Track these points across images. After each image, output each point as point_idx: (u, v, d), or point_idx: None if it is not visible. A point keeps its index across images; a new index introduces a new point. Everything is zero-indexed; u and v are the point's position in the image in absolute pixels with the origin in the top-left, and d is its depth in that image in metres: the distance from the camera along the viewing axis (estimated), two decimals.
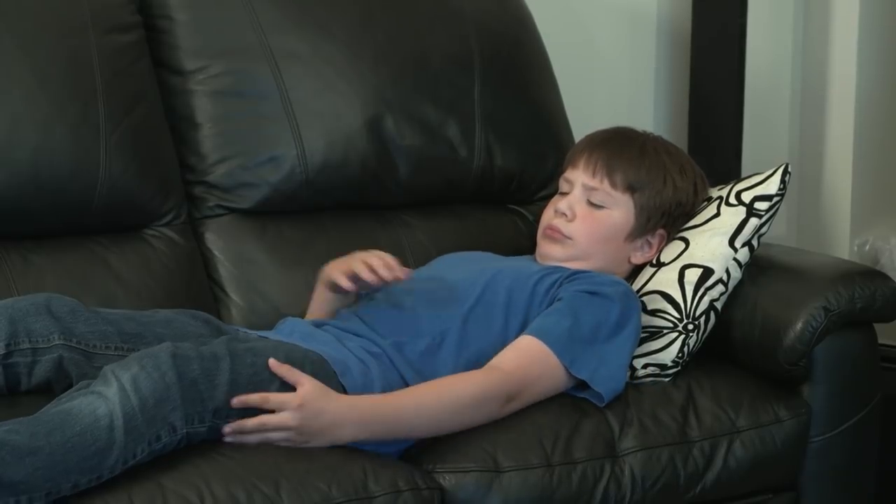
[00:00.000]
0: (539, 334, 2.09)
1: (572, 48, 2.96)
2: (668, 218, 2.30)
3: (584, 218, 2.27)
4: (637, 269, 2.34)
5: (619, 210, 2.27)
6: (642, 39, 3.14)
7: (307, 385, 1.94)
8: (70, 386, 2.02)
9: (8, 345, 1.99)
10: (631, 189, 2.27)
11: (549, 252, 2.29)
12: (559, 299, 2.14)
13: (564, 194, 2.30)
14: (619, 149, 2.29)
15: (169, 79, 2.46)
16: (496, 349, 2.11)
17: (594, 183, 2.27)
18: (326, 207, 2.52)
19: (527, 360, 2.08)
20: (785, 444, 2.23)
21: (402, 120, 2.53)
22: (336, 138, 2.49)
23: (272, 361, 1.95)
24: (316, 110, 2.48)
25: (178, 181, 2.43)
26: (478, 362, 2.10)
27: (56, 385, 2.02)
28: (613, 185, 2.26)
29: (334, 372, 2.01)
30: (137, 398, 1.81)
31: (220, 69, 2.46)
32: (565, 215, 2.27)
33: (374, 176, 2.52)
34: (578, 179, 2.29)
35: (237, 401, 1.89)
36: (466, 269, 2.25)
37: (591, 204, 2.27)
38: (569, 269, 2.21)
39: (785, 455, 2.23)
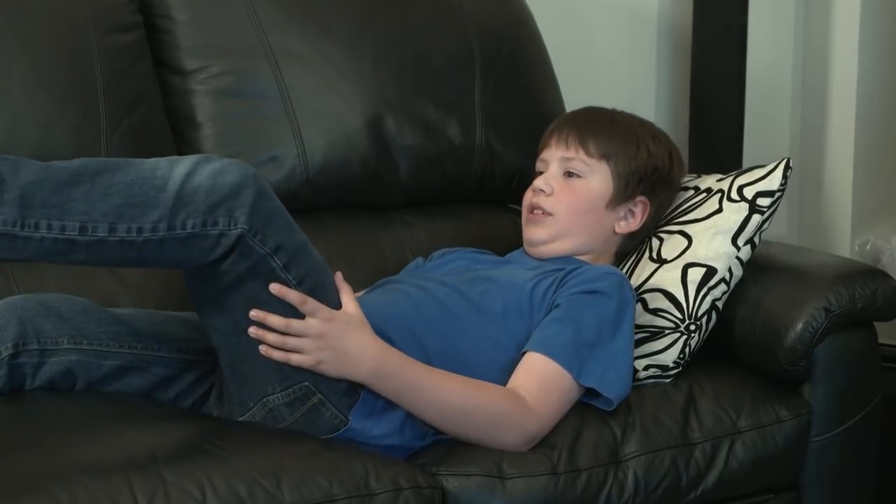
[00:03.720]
0: (544, 349, 2.06)
1: (573, 47, 2.96)
2: (646, 184, 2.29)
3: (563, 190, 2.27)
4: (627, 245, 2.33)
5: (596, 178, 2.27)
6: (643, 38, 3.14)
7: (351, 308, 1.94)
8: (73, 387, 2.03)
9: (16, 345, 1.99)
10: (606, 157, 2.27)
11: (534, 236, 2.28)
12: (557, 306, 2.12)
13: (540, 173, 2.31)
14: (590, 121, 2.31)
15: (169, 78, 2.46)
16: (494, 361, 2.08)
17: (569, 153, 2.27)
18: (327, 207, 2.53)
19: (546, 387, 2.04)
20: (786, 445, 2.22)
21: (402, 119, 2.53)
22: (336, 138, 2.49)
23: (339, 274, 1.96)
24: (316, 110, 2.49)
25: None
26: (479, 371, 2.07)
27: (60, 385, 2.02)
28: (588, 153, 2.27)
29: None
30: (212, 181, 1.81)
31: (221, 69, 2.46)
32: (543, 191, 2.27)
33: (375, 175, 2.52)
34: (553, 156, 2.29)
35: (276, 288, 1.86)
36: (458, 278, 2.21)
37: (567, 175, 2.27)
38: (560, 266, 2.19)
39: (786, 455, 2.23)
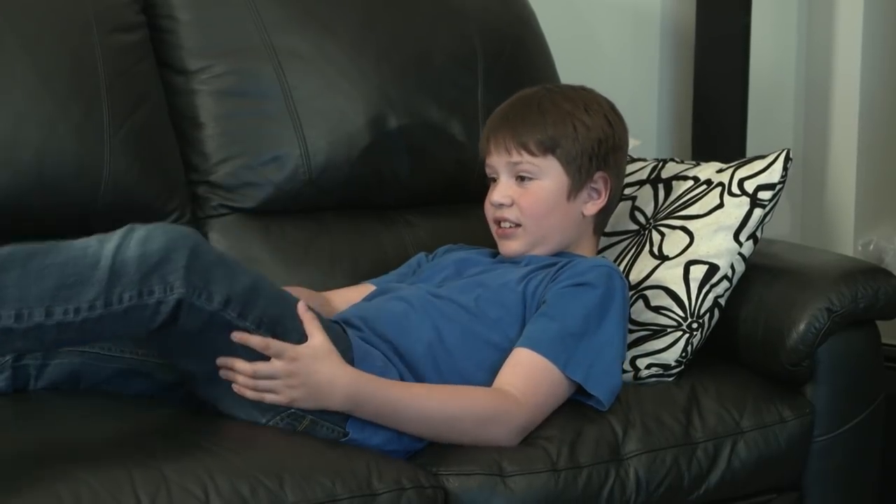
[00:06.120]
0: (532, 344, 2.06)
1: (575, 47, 2.97)
2: (597, 159, 2.24)
3: (521, 197, 2.23)
4: (603, 220, 2.30)
5: (548, 175, 2.22)
6: (646, 38, 3.15)
7: (317, 340, 1.92)
8: (77, 388, 2.03)
9: None
10: (550, 150, 2.22)
11: (509, 251, 2.25)
12: (544, 301, 2.12)
13: (493, 180, 2.28)
14: (520, 118, 2.25)
15: (172, 78, 2.47)
16: (492, 362, 2.08)
17: (514, 158, 2.23)
18: (329, 207, 2.53)
19: (534, 381, 2.04)
20: (789, 445, 2.22)
21: (405, 119, 2.53)
22: (339, 137, 2.49)
23: (301, 304, 1.94)
24: (319, 109, 2.49)
25: (181, 181, 2.43)
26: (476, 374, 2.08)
27: (63, 387, 2.02)
28: (532, 153, 2.22)
29: (353, 356, 1.99)
30: (140, 250, 1.79)
31: (224, 69, 2.47)
32: (504, 204, 2.24)
33: (377, 175, 2.53)
34: (499, 163, 2.25)
35: (238, 336, 1.86)
36: (452, 284, 2.21)
37: (520, 180, 2.24)
38: (553, 261, 2.19)
39: (789, 455, 2.23)
